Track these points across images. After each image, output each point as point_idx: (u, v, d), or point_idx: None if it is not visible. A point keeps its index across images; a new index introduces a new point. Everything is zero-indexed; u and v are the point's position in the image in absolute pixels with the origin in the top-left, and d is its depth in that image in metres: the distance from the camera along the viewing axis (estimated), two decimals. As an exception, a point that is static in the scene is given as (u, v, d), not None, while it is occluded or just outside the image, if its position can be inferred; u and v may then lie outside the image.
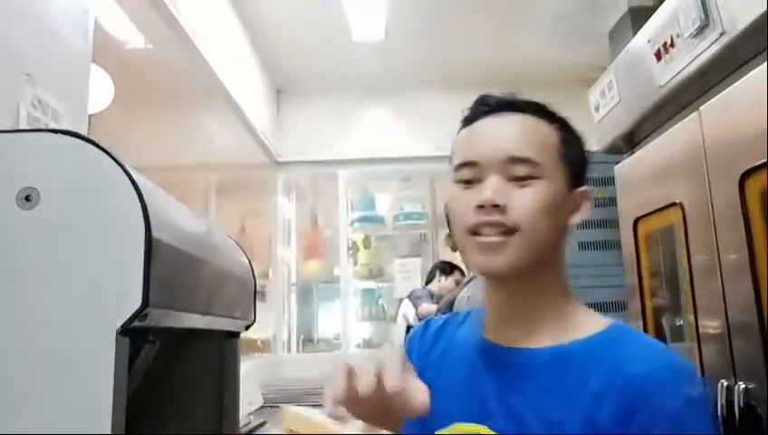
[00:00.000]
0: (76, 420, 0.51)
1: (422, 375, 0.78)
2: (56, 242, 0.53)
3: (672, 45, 1.62)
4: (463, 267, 3.67)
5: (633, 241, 2.00)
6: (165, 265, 0.56)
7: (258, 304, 1.23)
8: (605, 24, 4.19)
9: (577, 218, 0.81)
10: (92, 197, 0.54)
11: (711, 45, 1.47)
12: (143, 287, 0.52)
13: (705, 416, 0.69)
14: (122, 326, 0.51)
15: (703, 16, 1.43)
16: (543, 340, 0.77)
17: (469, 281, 1.80)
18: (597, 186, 2.50)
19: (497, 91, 0.84)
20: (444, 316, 0.95)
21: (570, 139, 0.81)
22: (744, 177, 1.38)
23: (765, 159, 1.29)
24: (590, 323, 0.78)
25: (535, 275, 0.78)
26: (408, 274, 4.60)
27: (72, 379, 0.52)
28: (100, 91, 2.73)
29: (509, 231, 0.74)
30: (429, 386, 0.73)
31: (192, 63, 2.94)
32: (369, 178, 5.16)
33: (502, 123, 0.79)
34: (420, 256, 4.84)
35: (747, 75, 1.35)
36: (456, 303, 1.74)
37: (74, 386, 0.52)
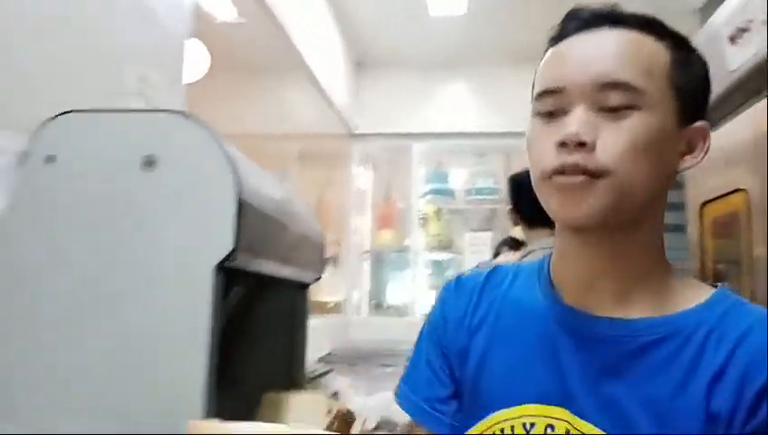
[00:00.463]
0: (181, 336, 0.67)
1: (467, 345, 0.71)
2: (169, 198, 0.68)
3: (747, 30, 1.60)
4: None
5: (699, 226, 2.00)
6: (250, 221, 0.70)
7: (330, 269, 1.36)
8: (696, 1, 4.02)
9: (689, 162, 0.65)
10: (196, 163, 0.69)
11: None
12: (234, 235, 0.66)
13: None
14: (218, 264, 0.66)
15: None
16: (642, 310, 0.64)
17: (528, 253, 1.87)
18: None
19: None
20: (481, 272, 0.77)
21: (686, 60, 0.64)
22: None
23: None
24: (692, 290, 0.66)
25: (630, 230, 0.64)
26: (477, 247, 4.68)
27: (179, 305, 0.67)
28: (197, 62, 2.95)
29: (596, 174, 0.60)
30: (477, 357, 0.69)
31: (276, 37, 3.11)
32: (443, 152, 5.22)
33: (594, 40, 0.63)
34: (491, 230, 4.89)
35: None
36: None
37: (181, 310, 0.67)
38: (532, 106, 0.66)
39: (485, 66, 4.82)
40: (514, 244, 3.76)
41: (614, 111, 0.60)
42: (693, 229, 2.09)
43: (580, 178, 0.60)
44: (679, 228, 2.40)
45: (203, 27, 2.78)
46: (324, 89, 3.93)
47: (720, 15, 1.83)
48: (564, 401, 0.64)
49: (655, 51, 0.63)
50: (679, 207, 2.37)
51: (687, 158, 0.66)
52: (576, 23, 0.65)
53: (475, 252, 4.65)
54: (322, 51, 3.89)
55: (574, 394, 0.63)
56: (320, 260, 1.30)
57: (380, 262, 5.09)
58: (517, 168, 5.86)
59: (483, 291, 0.75)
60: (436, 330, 0.76)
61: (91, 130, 0.72)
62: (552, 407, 0.64)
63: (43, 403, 0.67)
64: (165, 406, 0.66)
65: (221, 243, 0.66)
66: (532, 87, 0.68)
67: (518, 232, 4.05)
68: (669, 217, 0.68)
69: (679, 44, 0.65)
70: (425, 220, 4.97)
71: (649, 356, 0.61)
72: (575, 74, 0.62)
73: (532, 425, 0.64)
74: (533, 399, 0.65)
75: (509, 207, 2.01)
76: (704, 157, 0.65)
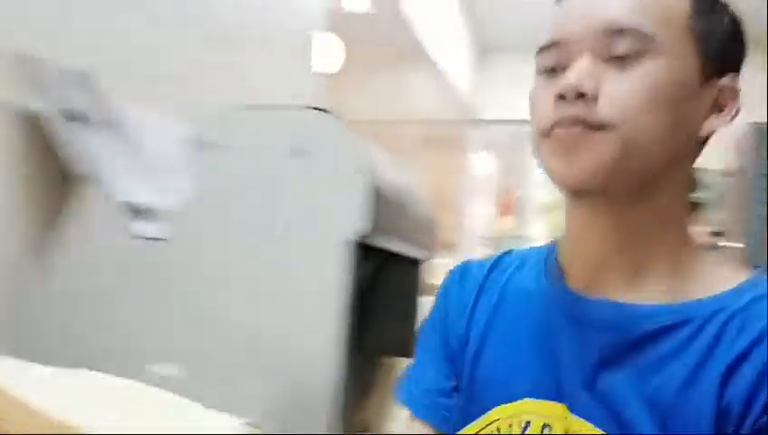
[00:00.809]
0: (320, 303, 0.80)
1: (466, 334, 0.66)
2: (312, 181, 0.81)
3: None
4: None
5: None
6: (378, 202, 0.82)
7: (446, 253, 1.45)
8: None
9: (715, 124, 0.56)
10: (335, 152, 0.81)
11: None
12: (365, 215, 0.78)
13: None
14: (353, 237, 0.79)
15: None
16: (657, 294, 0.56)
17: None
18: None
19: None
20: (490, 258, 0.72)
21: (710, 7, 0.56)
22: None
23: None
24: (722, 273, 0.56)
25: (643, 199, 0.55)
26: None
27: (318, 274, 0.81)
28: (333, 53, 3.15)
29: (597, 126, 0.52)
30: (475, 347, 0.65)
31: (399, 26, 3.23)
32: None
33: None
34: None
35: None
36: None
37: (320, 279, 0.81)
38: (536, 64, 0.59)
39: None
40: None
41: (622, 60, 0.52)
42: None
43: (578, 130, 0.52)
44: None
45: (339, 20, 2.96)
46: (446, 76, 4.00)
47: None
48: (561, 396, 0.57)
49: None
50: None
51: (713, 118, 0.56)
52: None
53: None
54: (445, 37, 3.95)
55: (571, 389, 0.57)
56: (432, 241, 1.40)
57: (498, 249, 5.09)
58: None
59: (487, 278, 0.69)
60: (440, 319, 0.70)
61: (250, 122, 0.87)
62: (550, 403, 0.58)
63: (186, 368, 0.82)
64: (304, 362, 0.79)
65: (354, 221, 0.78)
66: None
67: None
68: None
69: None
70: (546, 208, 4.91)
71: (655, 347, 0.53)
72: (578, 22, 0.55)
73: (528, 424, 0.59)
74: (529, 392, 0.59)
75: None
76: (733, 118, 0.56)
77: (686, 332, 0.53)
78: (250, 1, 1.62)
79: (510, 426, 0.60)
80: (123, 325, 0.86)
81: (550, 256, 0.65)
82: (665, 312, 0.54)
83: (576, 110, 0.52)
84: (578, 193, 0.55)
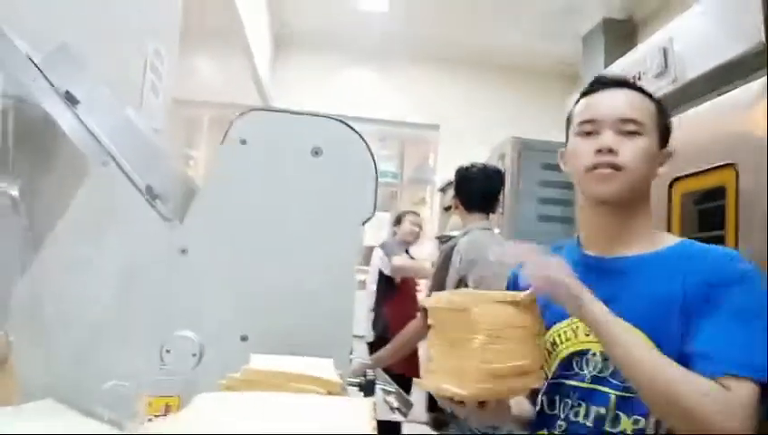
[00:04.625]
0: (338, 271, 1.00)
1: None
2: (329, 178, 1.01)
3: (639, 79, 2.15)
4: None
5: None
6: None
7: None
8: (581, 28, 4.76)
9: (662, 170, 1.05)
10: (347, 153, 1.03)
11: (666, 87, 2.01)
12: (373, 205, 1.02)
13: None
14: (363, 222, 1.01)
15: (663, 64, 1.99)
16: (639, 250, 1.01)
17: (467, 232, 2.28)
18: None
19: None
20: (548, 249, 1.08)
21: (662, 110, 1.05)
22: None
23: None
24: (667, 238, 1.04)
25: (632, 203, 1.01)
26: (377, 226, 5.11)
27: (336, 251, 1.01)
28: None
29: (618, 168, 0.98)
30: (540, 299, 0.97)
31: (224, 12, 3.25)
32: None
33: (615, 94, 1.03)
34: (389, 211, 5.37)
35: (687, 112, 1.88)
36: (457, 248, 2.22)
37: (338, 255, 1.01)
38: (574, 129, 1.06)
39: (399, 60, 5.25)
40: (403, 214, 4.24)
41: (628, 134, 1.00)
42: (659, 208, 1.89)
43: (609, 171, 0.99)
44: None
45: None
46: (254, 62, 4.11)
47: (618, 66, 2.35)
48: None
49: (647, 103, 1.04)
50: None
51: (662, 166, 1.06)
52: (600, 84, 1.07)
53: (376, 229, 5.10)
54: (254, 25, 4.05)
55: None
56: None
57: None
58: (410, 155, 6.35)
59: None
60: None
61: (272, 123, 1.02)
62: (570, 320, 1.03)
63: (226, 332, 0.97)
64: (325, 322, 0.98)
65: (364, 208, 1.02)
66: (568, 121, 1.10)
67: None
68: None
69: (658, 102, 1.07)
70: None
71: (641, 272, 0.99)
72: (605, 111, 1.02)
73: (577, 327, 1.02)
74: (565, 317, 1.03)
75: (453, 194, 2.41)
76: (664, 166, 1.06)
77: (659, 262, 0.99)
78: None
79: (564, 332, 1.04)
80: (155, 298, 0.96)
81: (575, 242, 1.12)
82: (647, 256, 1.01)
83: (608, 158, 0.99)
84: (605, 202, 1.02)
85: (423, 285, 4.61)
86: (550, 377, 1.04)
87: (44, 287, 0.86)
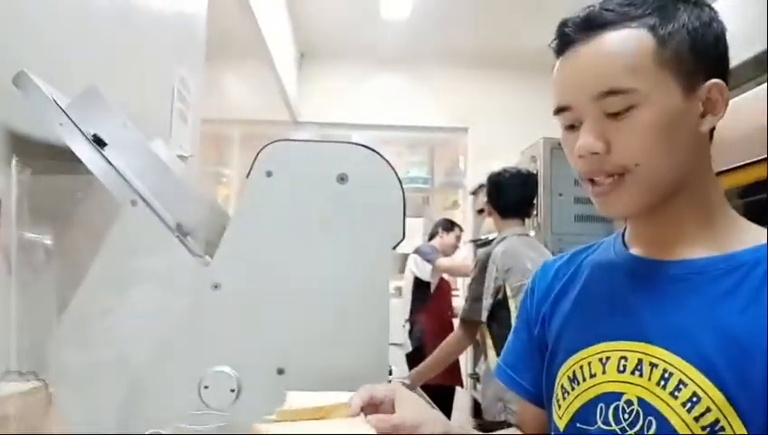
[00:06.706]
0: (371, 296, 0.99)
1: (549, 309, 0.82)
2: (357, 203, 1.00)
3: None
4: (462, 225, 4.19)
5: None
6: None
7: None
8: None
9: (711, 121, 0.67)
10: (374, 179, 1.01)
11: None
12: (402, 228, 1.00)
13: None
14: (393, 247, 1.00)
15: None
16: (707, 250, 0.68)
17: (503, 239, 2.24)
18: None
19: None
20: (568, 252, 0.86)
21: (669, 32, 0.65)
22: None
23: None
24: (753, 233, 0.68)
25: (676, 200, 0.69)
26: (410, 232, 5.09)
27: (367, 276, 1.00)
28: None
29: (618, 173, 0.66)
30: (562, 314, 0.78)
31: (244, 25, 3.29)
32: (378, 142, 5.58)
33: (582, 56, 0.67)
34: (422, 217, 5.34)
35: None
36: (492, 257, 2.19)
37: (369, 280, 1.00)
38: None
39: (424, 66, 5.22)
40: (449, 225, 4.22)
41: (617, 115, 0.64)
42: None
43: (608, 181, 0.66)
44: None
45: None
46: (279, 76, 4.13)
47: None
48: (636, 335, 0.68)
49: (635, 41, 0.64)
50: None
51: (708, 116, 0.66)
52: (565, 38, 0.69)
53: (409, 236, 5.08)
54: (275, 39, 4.09)
55: (645, 327, 0.67)
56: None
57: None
58: (440, 159, 6.31)
59: (567, 263, 0.84)
60: (525, 307, 0.89)
61: (297, 153, 1.01)
62: (625, 341, 0.69)
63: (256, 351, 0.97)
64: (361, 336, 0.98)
65: (394, 231, 1.00)
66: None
67: (458, 216, 4.50)
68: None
69: (662, 12, 0.65)
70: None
71: (713, 287, 0.65)
72: (575, 92, 0.67)
73: (608, 359, 0.70)
74: (608, 338, 0.70)
75: (485, 200, 2.38)
76: (725, 111, 0.67)
77: (738, 274, 0.64)
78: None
79: (590, 364, 0.72)
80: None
81: (617, 239, 0.79)
82: (719, 261, 0.66)
83: (596, 164, 0.67)
84: (619, 219, 0.77)
85: (459, 290, 4.58)
86: (561, 430, 0.74)
87: (81, 334, 0.87)
